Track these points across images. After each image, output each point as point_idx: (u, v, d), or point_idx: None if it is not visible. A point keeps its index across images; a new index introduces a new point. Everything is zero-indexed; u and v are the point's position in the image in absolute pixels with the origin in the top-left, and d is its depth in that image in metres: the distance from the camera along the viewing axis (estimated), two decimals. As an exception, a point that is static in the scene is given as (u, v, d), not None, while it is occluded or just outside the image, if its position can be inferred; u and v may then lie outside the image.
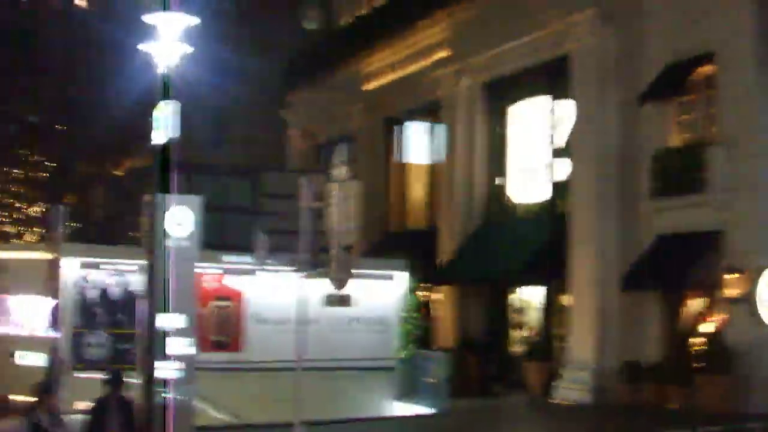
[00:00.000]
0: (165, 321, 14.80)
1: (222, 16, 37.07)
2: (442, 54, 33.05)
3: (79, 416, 14.48)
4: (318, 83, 41.01)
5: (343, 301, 15.32)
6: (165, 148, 13.77)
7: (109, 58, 34.80)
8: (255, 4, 45.16)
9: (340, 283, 14.82)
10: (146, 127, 14.41)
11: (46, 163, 42.44)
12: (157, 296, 14.90)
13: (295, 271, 15.35)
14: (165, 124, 13.68)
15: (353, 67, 38.45)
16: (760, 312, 22.28)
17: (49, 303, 19.72)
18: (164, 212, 14.89)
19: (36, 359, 19.53)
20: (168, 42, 13.77)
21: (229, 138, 46.20)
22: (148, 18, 13.79)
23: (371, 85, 37.75)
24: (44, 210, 39.79)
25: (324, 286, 15.83)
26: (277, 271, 20.42)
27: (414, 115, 36.19)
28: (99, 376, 18.65)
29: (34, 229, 42.07)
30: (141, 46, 14.16)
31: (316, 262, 14.68)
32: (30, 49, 39.19)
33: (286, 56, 42.91)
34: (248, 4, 44.60)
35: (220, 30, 34.41)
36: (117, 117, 35.20)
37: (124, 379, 13.79)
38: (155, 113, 13.98)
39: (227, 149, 44.69)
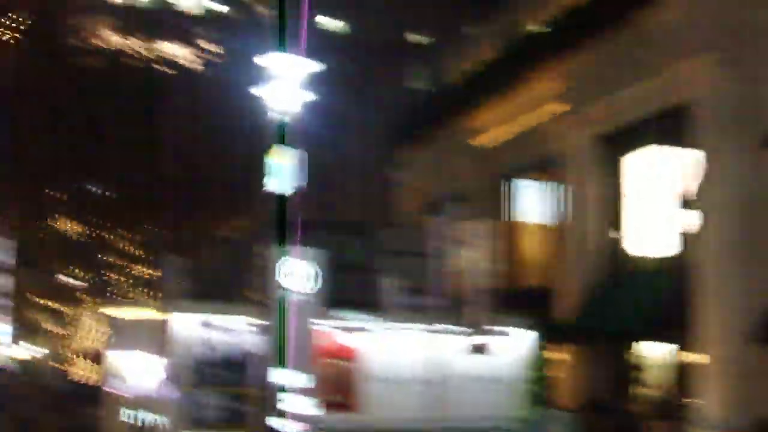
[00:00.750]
0: (285, 379, 14.37)
1: (329, 77, 37.05)
2: (554, 107, 32.40)
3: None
4: (427, 141, 40.67)
5: (480, 349, 14.50)
6: (287, 198, 13.37)
7: (225, 119, 34.97)
8: (362, 65, 45.29)
9: (475, 327, 14.03)
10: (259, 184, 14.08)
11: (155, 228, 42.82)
12: (275, 353, 14.50)
13: (424, 322, 14.68)
14: (288, 173, 13.28)
15: (463, 124, 38.00)
16: None
17: (161, 362, 19.39)
18: (286, 267, 14.49)
19: (149, 419, 19.25)
20: (290, 87, 13.40)
21: (337, 195, 46.13)
22: (266, 61, 13.46)
23: (481, 141, 37.18)
24: (154, 272, 39.97)
25: (450, 341, 15.14)
26: (397, 328, 19.92)
27: (526, 170, 35.57)
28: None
29: (148, 291, 42.26)
30: (255, 90, 13.83)
31: (448, 307, 13.96)
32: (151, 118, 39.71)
33: (395, 115, 42.75)
34: (356, 65, 44.72)
35: (328, 89, 34.35)
36: (231, 173, 35.27)
37: None
38: (270, 159, 13.58)
39: (335, 207, 44.56)
